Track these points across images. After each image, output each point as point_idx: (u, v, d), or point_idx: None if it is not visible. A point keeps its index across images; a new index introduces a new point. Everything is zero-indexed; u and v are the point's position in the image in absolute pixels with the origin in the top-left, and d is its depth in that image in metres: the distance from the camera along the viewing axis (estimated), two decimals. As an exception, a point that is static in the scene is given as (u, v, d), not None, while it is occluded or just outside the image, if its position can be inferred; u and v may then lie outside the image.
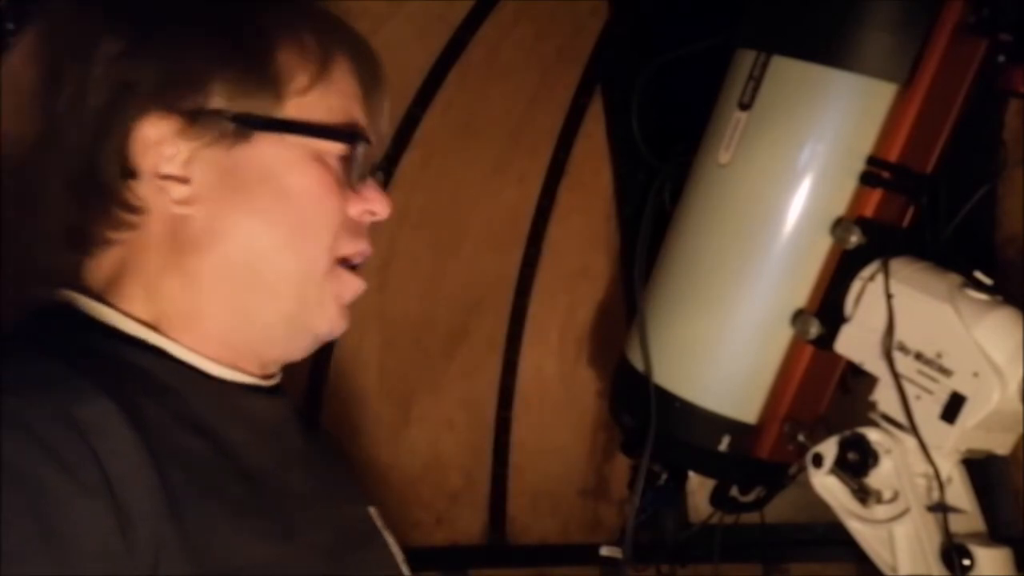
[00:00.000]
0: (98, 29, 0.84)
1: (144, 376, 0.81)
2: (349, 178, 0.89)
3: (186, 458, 0.77)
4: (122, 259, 0.86)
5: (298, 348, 0.92)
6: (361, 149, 0.89)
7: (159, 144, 0.83)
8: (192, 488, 0.75)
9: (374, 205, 0.91)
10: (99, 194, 0.84)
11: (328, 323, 0.90)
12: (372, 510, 1.00)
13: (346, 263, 0.90)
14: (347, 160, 0.88)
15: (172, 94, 0.83)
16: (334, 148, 0.88)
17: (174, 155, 0.83)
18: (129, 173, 0.83)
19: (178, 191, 0.84)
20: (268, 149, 0.85)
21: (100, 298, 0.85)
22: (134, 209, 0.84)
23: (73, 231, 0.85)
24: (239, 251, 0.85)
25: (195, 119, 0.83)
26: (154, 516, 0.71)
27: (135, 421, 0.73)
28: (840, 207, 1.16)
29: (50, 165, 0.86)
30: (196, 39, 0.85)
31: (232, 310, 0.86)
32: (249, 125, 0.84)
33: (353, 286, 0.91)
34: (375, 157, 0.93)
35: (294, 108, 0.86)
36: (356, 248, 0.90)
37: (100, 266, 0.86)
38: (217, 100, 0.83)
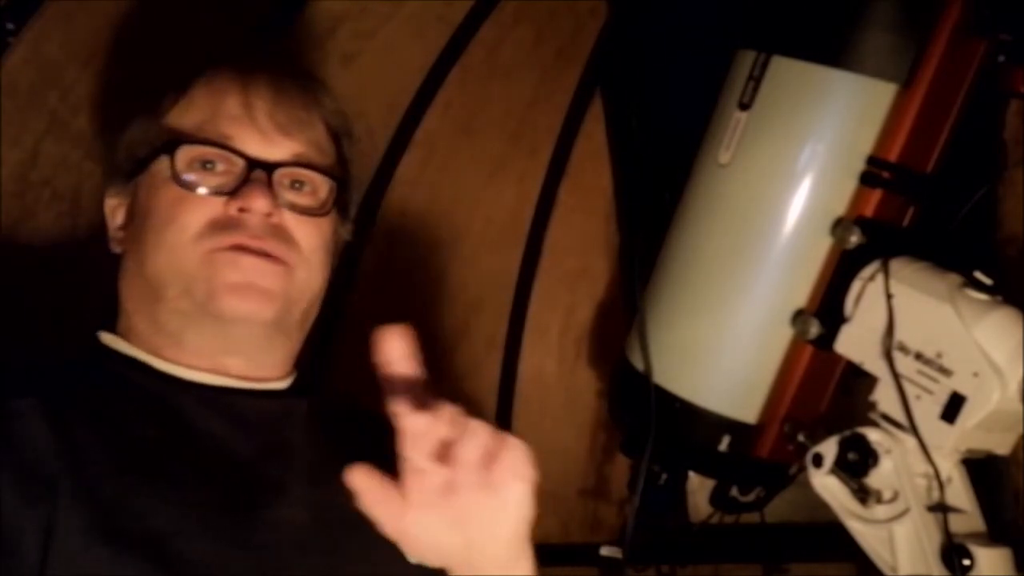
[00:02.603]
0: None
1: (125, 384, 0.98)
2: (183, 182, 1.00)
3: (126, 441, 0.91)
4: (119, 301, 1.05)
5: (228, 334, 1.00)
6: (185, 151, 1.00)
7: (115, 208, 1.08)
8: (115, 463, 0.89)
9: (243, 201, 1.00)
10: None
11: (221, 304, 0.98)
12: None
13: (232, 250, 0.99)
14: (172, 170, 1.00)
15: (106, 169, 1.10)
16: (180, 160, 1.00)
17: (120, 212, 1.07)
18: (111, 236, 1.08)
19: (120, 236, 1.07)
20: (142, 186, 1.04)
21: (112, 331, 1.05)
22: (118, 264, 1.06)
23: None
24: (135, 269, 1.02)
25: (114, 178, 1.07)
26: (58, 475, 0.85)
27: (57, 411, 0.90)
28: (840, 207, 1.16)
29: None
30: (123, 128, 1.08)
31: (165, 316, 1.00)
32: (130, 174, 1.05)
33: (236, 266, 0.98)
34: (254, 158, 1.02)
35: (157, 136, 1.03)
36: (228, 241, 0.99)
37: (115, 308, 1.06)
38: (123, 162, 1.06)
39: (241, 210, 0.99)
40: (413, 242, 1.81)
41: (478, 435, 0.82)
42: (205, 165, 1.00)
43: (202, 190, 0.99)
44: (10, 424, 0.88)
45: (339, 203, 1.08)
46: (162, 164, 1.01)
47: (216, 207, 0.99)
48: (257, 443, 0.97)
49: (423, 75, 1.72)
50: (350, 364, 1.77)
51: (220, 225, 0.98)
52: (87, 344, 1.05)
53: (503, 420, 1.91)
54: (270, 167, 1.01)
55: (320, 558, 0.94)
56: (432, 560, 0.87)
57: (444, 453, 0.81)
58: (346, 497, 1.00)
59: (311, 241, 1.03)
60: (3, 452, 0.86)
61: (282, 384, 1.04)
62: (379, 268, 1.77)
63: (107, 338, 1.04)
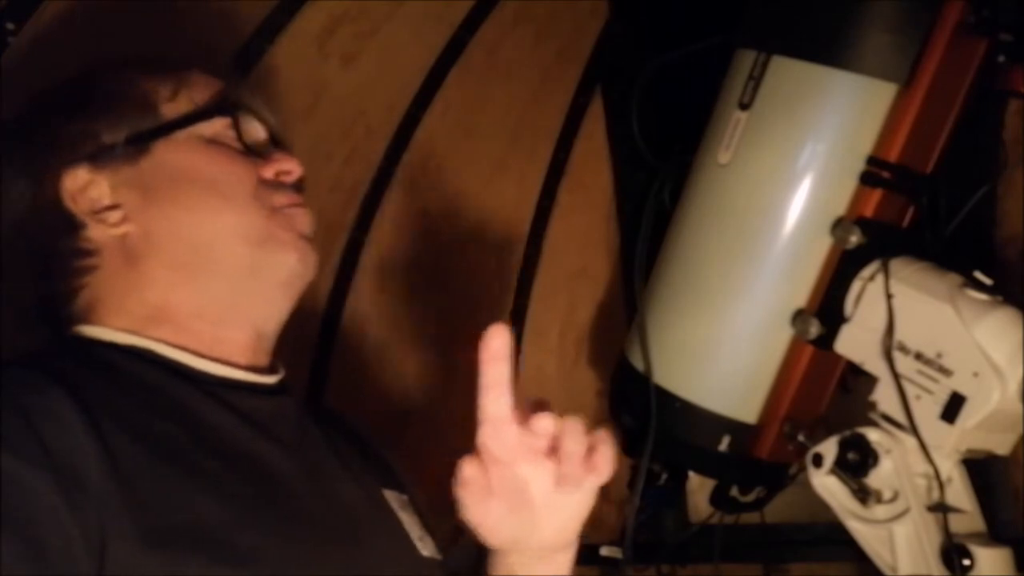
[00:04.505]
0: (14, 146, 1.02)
1: (125, 375, 0.93)
2: (248, 145, 1.02)
3: (146, 434, 0.87)
4: (97, 291, 0.99)
5: (275, 295, 1.00)
6: (242, 118, 1.02)
7: (84, 189, 0.98)
8: (146, 457, 0.85)
9: (283, 165, 1.03)
10: (63, 258, 0.99)
11: (293, 252, 0.99)
12: (388, 493, 1.06)
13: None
14: (237, 131, 1.01)
15: (73, 150, 0.99)
16: (218, 125, 1.01)
17: (99, 191, 0.98)
18: (74, 226, 0.98)
19: (114, 216, 0.98)
20: (165, 151, 0.99)
21: (93, 324, 0.98)
22: (91, 253, 0.98)
23: (60, 294, 1.00)
24: (177, 237, 0.98)
25: (98, 157, 0.98)
26: (99, 478, 0.81)
27: (84, 405, 0.84)
28: (840, 207, 1.16)
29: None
30: (76, 104, 1.01)
31: (197, 287, 0.97)
32: (140, 140, 0.99)
33: (301, 217, 1.02)
34: (271, 130, 1.06)
35: (169, 112, 1.00)
36: (284, 200, 1.01)
37: (86, 302, 0.99)
38: (107, 136, 0.98)
39: (279, 173, 1.03)
40: (413, 242, 1.81)
41: (580, 431, 0.90)
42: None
43: (242, 151, 1.02)
44: (41, 421, 0.82)
45: None
46: (205, 128, 1.01)
47: (255, 168, 1.01)
48: (261, 440, 0.96)
49: (423, 75, 1.72)
50: (350, 362, 1.78)
51: (267, 184, 1.01)
52: (65, 340, 0.99)
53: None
54: (279, 143, 1.07)
55: (342, 553, 0.95)
56: (498, 541, 0.96)
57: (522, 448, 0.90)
58: (346, 489, 1.01)
59: None
60: (40, 454, 0.80)
61: (272, 379, 1.03)
62: (379, 268, 1.77)
63: (89, 330, 0.98)
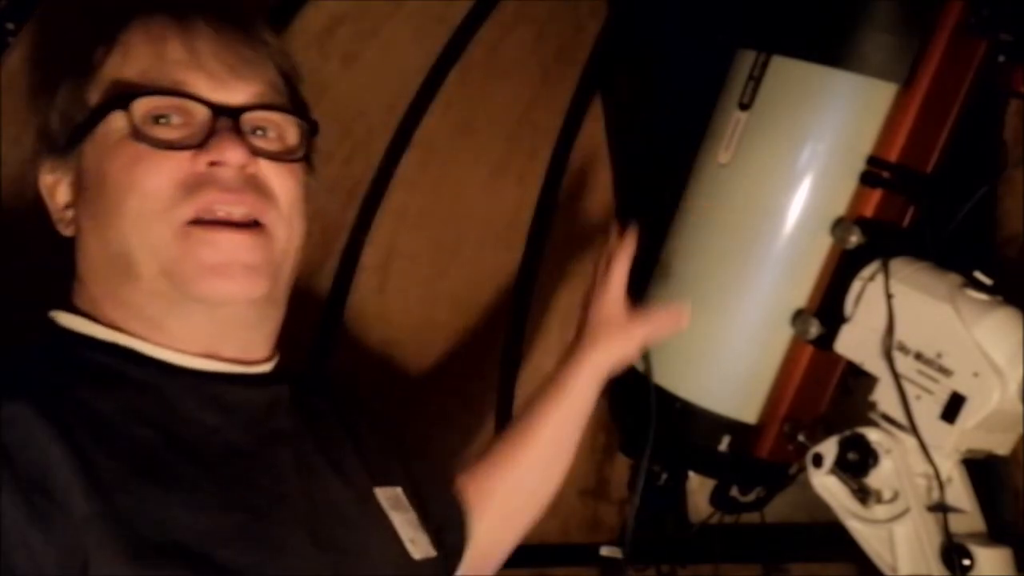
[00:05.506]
0: None
1: (105, 377, 0.87)
2: (157, 141, 0.88)
3: (125, 445, 0.83)
4: (77, 277, 0.94)
5: (219, 318, 0.91)
6: (156, 103, 0.88)
7: (55, 185, 0.94)
8: (125, 472, 0.81)
9: (214, 154, 0.87)
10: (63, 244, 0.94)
11: (205, 288, 0.87)
12: (380, 491, 1.01)
13: (206, 222, 0.88)
14: (133, 128, 0.88)
15: (42, 144, 0.94)
16: (136, 114, 0.88)
17: (62, 188, 0.94)
18: (55, 218, 0.95)
19: (68, 215, 0.94)
20: (91, 150, 0.91)
21: (85, 313, 0.92)
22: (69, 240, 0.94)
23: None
24: (98, 247, 0.91)
25: (51, 152, 0.94)
26: (78, 496, 0.77)
27: (58, 420, 0.80)
28: (840, 207, 1.16)
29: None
30: (53, 91, 0.95)
31: (129, 300, 0.89)
32: (72, 141, 0.91)
33: (214, 246, 0.87)
34: (224, 101, 0.90)
35: (96, 93, 0.91)
36: (197, 205, 0.87)
37: (74, 284, 0.94)
38: (58, 132, 0.93)
39: (212, 164, 0.88)
40: (413, 242, 1.81)
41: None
42: (158, 120, 0.89)
43: (166, 144, 0.88)
44: (10, 441, 0.77)
45: (308, 149, 0.97)
46: (114, 122, 0.89)
47: (182, 164, 0.87)
48: (250, 436, 0.92)
49: (423, 75, 1.72)
50: (350, 363, 1.78)
51: (190, 185, 0.87)
52: (42, 329, 0.94)
53: (503, 420, 1.91)
54: (235, 112, 0.89)
55: (326, 554, 0.93)
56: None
57: None
58: (335, 489, 0.99)
59: (290, 192, 0.92)
60: (8, 477, 0.76)
61: (268, 367, 0.97)
62: (379, 267, 1.77)
63: (72, 321, 0.92)
